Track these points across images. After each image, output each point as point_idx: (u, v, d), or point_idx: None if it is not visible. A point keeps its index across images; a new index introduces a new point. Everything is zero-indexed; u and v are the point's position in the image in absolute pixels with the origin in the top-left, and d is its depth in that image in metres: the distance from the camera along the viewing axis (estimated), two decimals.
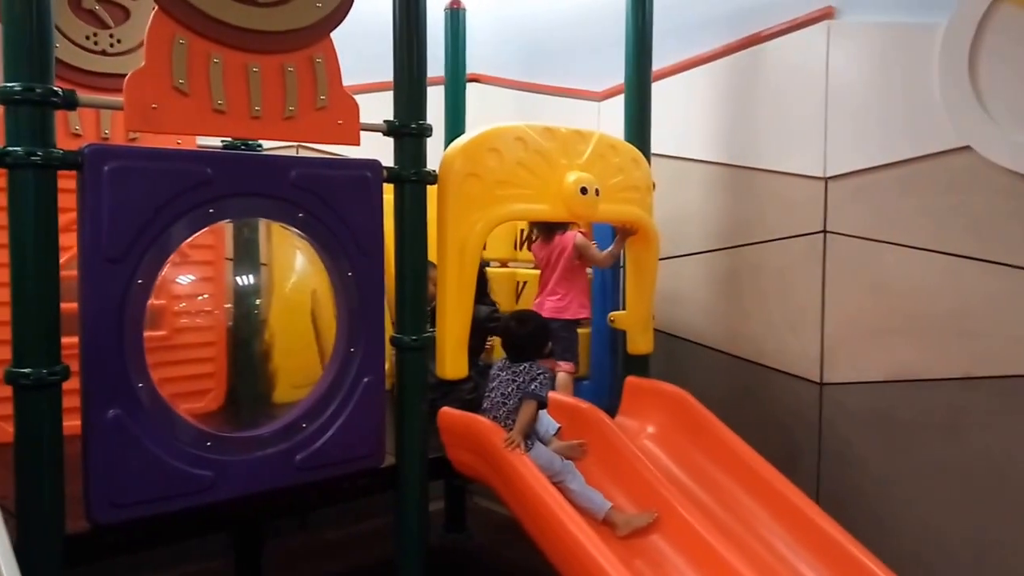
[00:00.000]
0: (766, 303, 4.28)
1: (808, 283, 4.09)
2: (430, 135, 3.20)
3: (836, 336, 4.03)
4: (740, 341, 4.40)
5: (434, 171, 3.22)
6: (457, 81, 5.12)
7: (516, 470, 2.99)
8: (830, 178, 4.03)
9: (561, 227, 4.12)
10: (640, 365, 4.04)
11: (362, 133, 3.00)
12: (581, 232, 4.15)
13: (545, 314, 4.02)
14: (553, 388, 4.02)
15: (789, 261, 4.18)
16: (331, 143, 3.02)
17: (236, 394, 3.40)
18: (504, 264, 4.79)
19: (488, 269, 4.75)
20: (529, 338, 3.41)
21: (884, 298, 3.86)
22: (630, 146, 3.85)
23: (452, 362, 3.18)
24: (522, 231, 4.67)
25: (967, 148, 3.53)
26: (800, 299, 4.13)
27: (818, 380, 4.10)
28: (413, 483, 3.19)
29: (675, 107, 4.57)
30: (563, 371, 4.06)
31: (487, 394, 3.42)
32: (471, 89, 5.35)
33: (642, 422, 3.83)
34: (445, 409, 3.39)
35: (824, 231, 4.06)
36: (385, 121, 3.12)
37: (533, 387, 3.26)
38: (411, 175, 3.15)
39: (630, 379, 3.95)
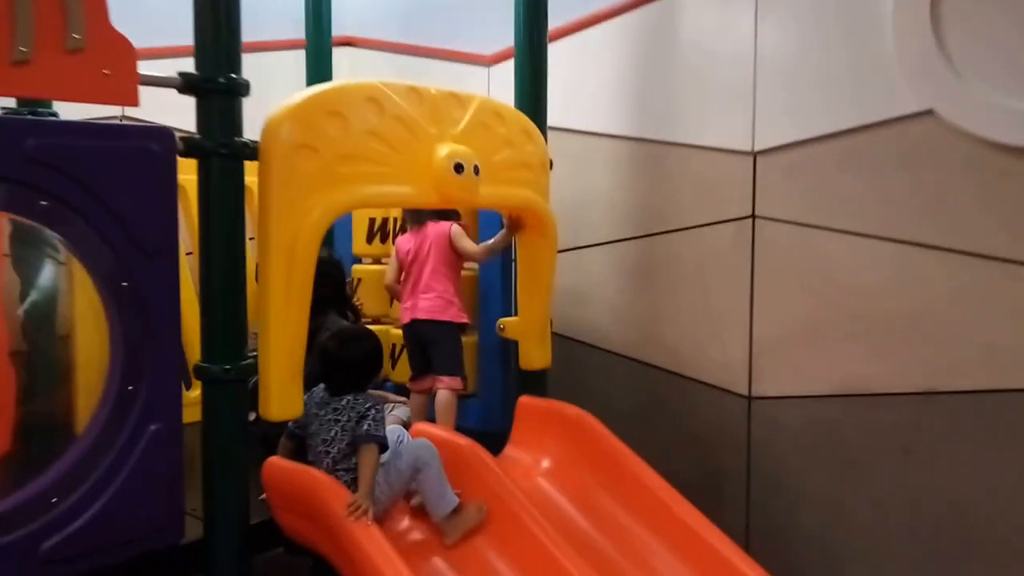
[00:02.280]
0: (684, 302, 3.52)
1: (734, 278, 3.34)
2: (247, 94, 2.29)
3: (767, 341, 3.30)
4: (654, 347, 3.63)
5: (253, 142, 2.30)
6: (321, 43, 4.18)
7: (362, 549, 2.13)
8: (759, 153, 3.28)
9: (436, 214, 3.25)
10: (536, 381, 3.25)
11: (153, 95, 2.08)
12: (460, 224, 3.29)
13: (420, 316, 3.17)
14: (407, 421, 3.20)
15: (711, 252, 3.42)
16: (89, 100, 2.07)
17: None
18: (378, 261, 3.90)
19: (358, 267, 3.85)
20: (355, 365, 2.60)
21: (826, 296, 3.14)
22: (520, 114, 3.02)
23: (280, 398, 2.31)
24: (396, 220, 3.76)
25: (928, 113, 2.83)
26: (724, 297, 3.38)
27: (745, 393, 3.38)
28: (228, 562, 2.29)
29: (575, 72, 3.75)
30: (445, 388, 3.21)
31: (308, 441, 2.56)
32: (341, 54, 4.45)
33: (536, 454, 3.03)
34: (272, 460, 2.50)
35: (752, 216, 3.32)
36: (181, 74, 2.19)
37: (365, 427, 2.47)
38: (219, 147, 2.24)
39: (523, 400, 3.15)
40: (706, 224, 3.46)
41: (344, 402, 2.51)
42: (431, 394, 3.33)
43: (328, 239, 3.93)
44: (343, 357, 2.55)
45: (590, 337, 3.83)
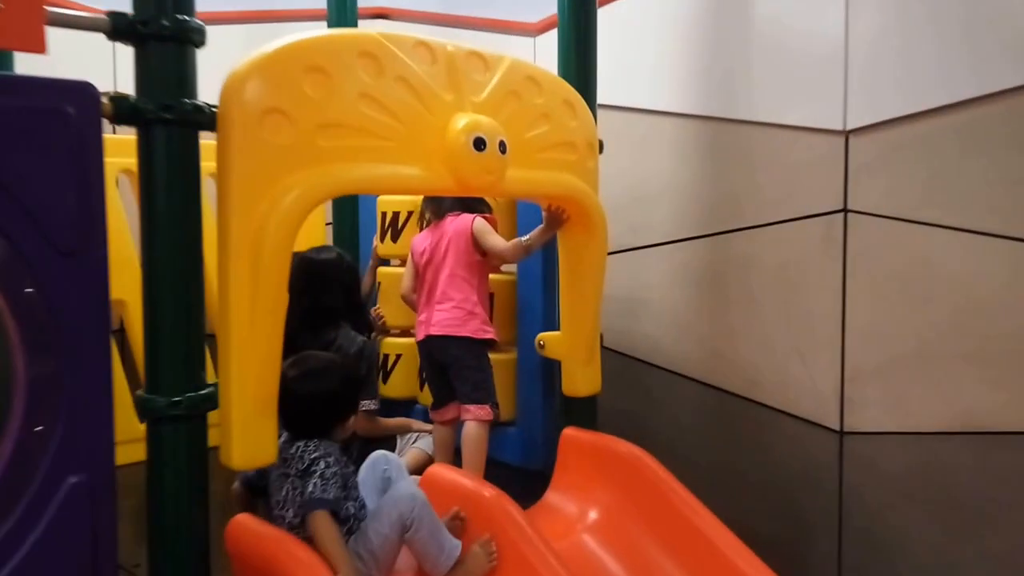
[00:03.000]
0: (761, 314, 2.87)
1: (822, 286, 2.69)
2: (201, 43, 1.74)
3: (863, 364, 2.64)
4: (724, 368, 2.98)
5: (211, 107, 1.74)
6: (344, 13, 3.61)
7: None
8: (852, 132, 2.63)
9: (460, 204, 2.67)
10: (583, 410, 2.65)
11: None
12: (485, 217, 2.70)
13: (434, 331, 2.59)
14: (430, 459, 2.64)
15: (794, 254, 2.77)
16: None
17: None
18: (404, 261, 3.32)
19: (385, 271, 3.29)
20: (315, 403, 2.01)
21: (938, 309, 2.49)
22: (562, 82, 2.43)
23: (243, 440, 1.78)
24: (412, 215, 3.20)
25: None
26: (810, 309, 2.73)
27: (837, 427, 2.72)
28: None
29: (630, 40, 3.11)
30: (472, 419, 2.62)
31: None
32: (376, 28, 3.85)
33: (582, 502, 2.44)
34: (238, 520, 1.94)
35: (844, 210, 2.67)
36: (110, 14, 1.64)
37: (310, 488, 1.89)
38: (161, 111, 1.68)
39: (568, 433, 2.56)
40: (788, 220, 2.82)
41: (294, 450, 1.93)
42: (457, 425, 2.74)
43: (349, 236, 3.40)
44: (301, 392, 1.97)
45: (648, 354, 3.20)
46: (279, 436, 1.90)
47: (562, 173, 2.34)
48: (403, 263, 3.29)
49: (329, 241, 3.51)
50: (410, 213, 3.21)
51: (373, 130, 1.90)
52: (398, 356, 3.23)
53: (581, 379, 2.57)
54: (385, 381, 3.25)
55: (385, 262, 3.35)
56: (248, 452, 1.79)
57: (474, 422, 2.67)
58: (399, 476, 2.15)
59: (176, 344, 1.81)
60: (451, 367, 2.69)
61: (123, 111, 1.68)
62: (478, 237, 2.68)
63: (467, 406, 2.68)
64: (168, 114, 1.72)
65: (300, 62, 1.80)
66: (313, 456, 1.91)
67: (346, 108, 1.86)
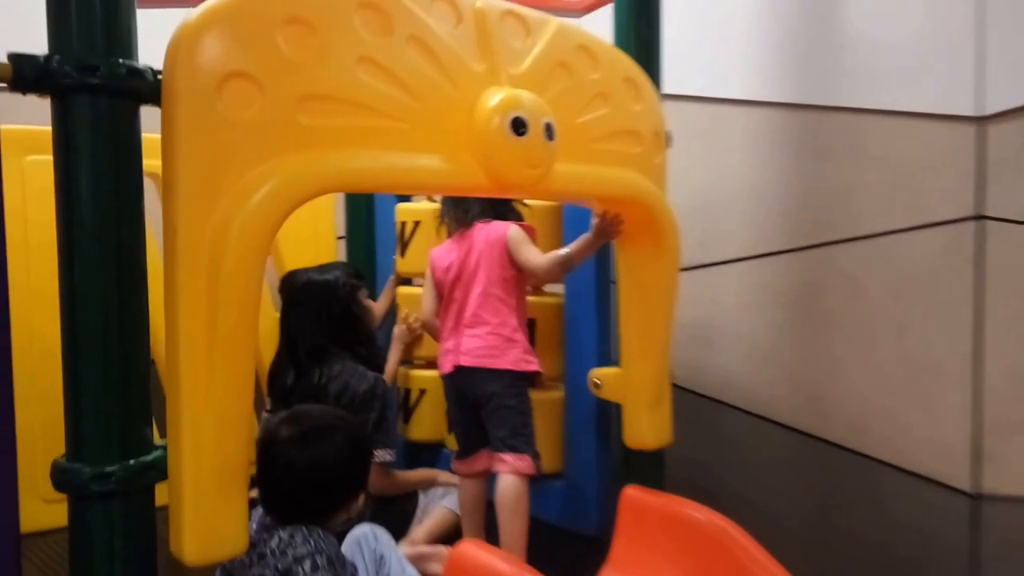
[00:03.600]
0: (868, 346, 2.36)
1: (948, 311, 2.19)
2: None
3: (1007, 410, 2.10)
4: (822, 412, 2.47)
5: (152, 70, 1.30)
6: None
7: None
8: (991, 118, 2.10)
9: (490, 209, 2.22)
10: (648, 465, 2.22)
11: None
12: (521, 226, 2.25)
13: (464, 362, 2.25)
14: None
15: (910, 271, 2.27)
16: None
17: None
18: None
19: (405, 291, 2.85)
20: (316, 473, 1.55)
21: None
22: (623, 54, 1.99)
23: (198, 526, 1.36)
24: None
25: None
26: (932, 340, 2.22)
27: (969, 488, 2.17)
28: None
29: (693, 15, 2.64)
30: (509, 472, 2.17)
31: None
32: None
33: None
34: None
35: (978, 216, 2.13)
36: None
37: None
38: (82, 73, 1.25)
39: (629, 494, 2.13)
40: (904, 229, 2.31)
41: (276, 542, 1.47)
42: (488, 478, 2.27)
43: (365, 253, 2.95)
44: (297, 462, 1.52)
45: (723, 392, 2.71)
46: (253, 518, 1.46)
47: (623, 169, 1.88)
48: None
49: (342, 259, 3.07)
50: (416, 223, 2.76)
51: (376, 106, 1.46)
52: (422, 391, 2.78)
53: (647, 428, 2.08)
54: (407, 421, 2.79)
55: (406, 281, 2.89)
56: (206, 542, 1.35)
57: (511, 476, 2.20)
58: (391, 557, 1.70)
59: (107, 392, 1.36)
60: (484, 406, 2.24)
61: (27, 75, 1.25)
62: (512, 248, 2.23)
63: (502, 455, 2.22)
64: (93, 78, 1.28)
65: (275, 11, 1.36)
66: (299, 554, 1.44)
67: (339, 75, 1.41)
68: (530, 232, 2.29)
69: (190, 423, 1.33)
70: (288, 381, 2.35)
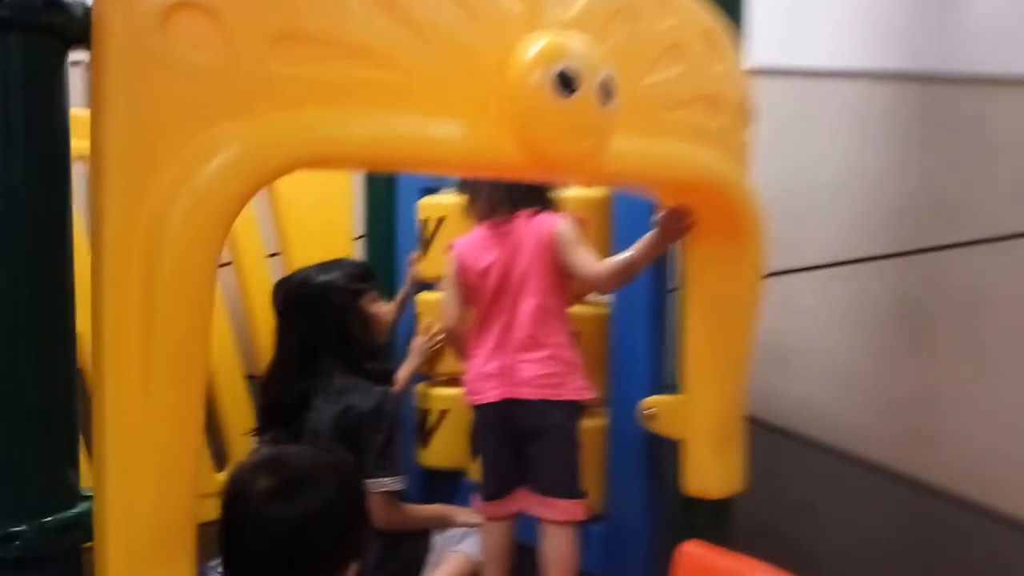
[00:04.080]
0: (997, 374, 1.96)
1: None
2: None
3: None
4: (933, 454, 2.12)
5: (83, 4, 0.97)
6: None
7: None
8: None
9: (529, 196, 1.94)
10: (713, 515, 1.83)
11: None
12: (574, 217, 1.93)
13: (525, 394, 1.89)
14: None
15: None
16: None
17: None
18: None
19: (425, 299, 2.51)
20: (301, 536, 1.20)
21: None
22: (698, 3, 1.57)
23: None
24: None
25: None
26: None
27: None
28: None
29: None
30: (561, 521, 1.89)
31: None
32: None
33: None
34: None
35: None
36: None
37: None
38: None
39: (689, 550, 1.75)
40: None
41: None
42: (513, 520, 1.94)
43: (384, 254, 2.67)
44: (277, 521, 1.18)
45: (804, 426, 2.32)
46: None
47: (699, 147, 1.51)
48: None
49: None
50: (440, 220, 2.42)
51: (376, 51, 1.12)
52: (443, 413, 2.43)
53: (714, 473, 1.72)
54: (425, 444, 2.45)
55: (426, 286, 2.55)
56: None
57: (561, 527, 1.85)
58: None
59: (14, 430, 1.04)
60: (536, 441, 1.90)
61: None
62: (561, 249, 1.88)
63: (553, 500, 1.87)
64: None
65: None
66: None
67: (326, 8, 1.08)
68: (582, 227, 1.94)
69: (118, 468, 1.01)
70: (276, 402, 2.03)
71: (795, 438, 2.30)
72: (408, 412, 2.51)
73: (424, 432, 2.46)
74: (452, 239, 2.42)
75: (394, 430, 1.99)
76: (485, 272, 1.96)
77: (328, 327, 1.99)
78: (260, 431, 2.12)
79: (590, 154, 1.27)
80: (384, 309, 2.18)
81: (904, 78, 2.13)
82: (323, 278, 2.05)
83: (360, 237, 2.77)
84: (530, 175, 1.47)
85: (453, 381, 2.47)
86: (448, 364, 2.41)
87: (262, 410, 2.12)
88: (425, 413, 2.45)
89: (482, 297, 1.98)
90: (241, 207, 1.05)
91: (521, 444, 1.91)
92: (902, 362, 2.13)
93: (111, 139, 0.98)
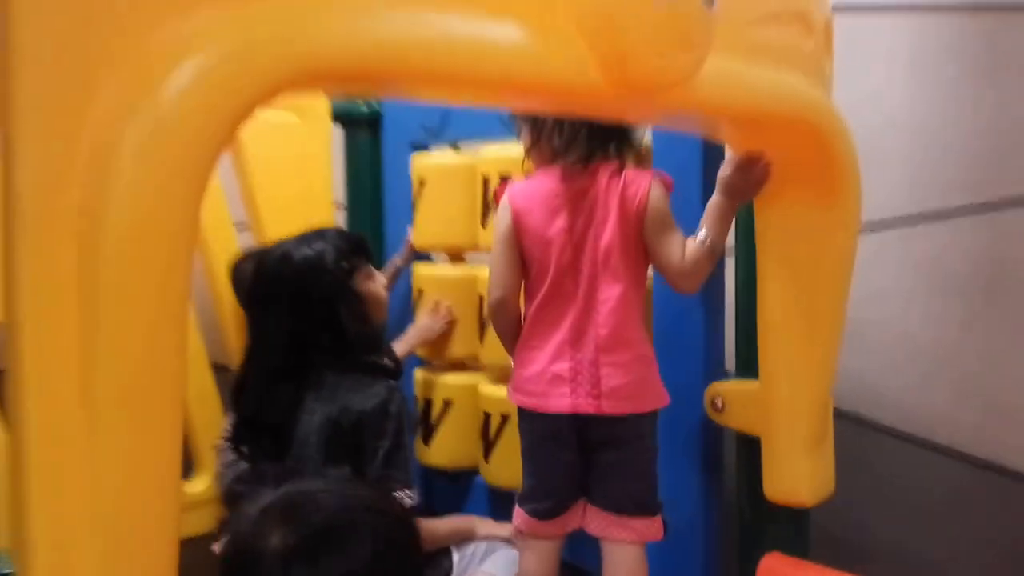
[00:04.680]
0: None
1: None
2: None
3: None
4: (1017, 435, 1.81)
5: None
6: None
7: None
8: None
9: (613, 140, 1.51)
10: (787, 521, 1.57)
11: None
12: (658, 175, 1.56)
13: (607, 408, 1.50)
14: None
15: None
16: None
17: None
18: (457, 257, 2.23)
19: (424, 271, 2.19)
20: None
21: None
22: None
23: None
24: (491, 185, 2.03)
25: None
26: None
27: None
28: None
29: None
30: (634, 541, 1.55)
31: None
32: None
33: None
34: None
35: None
36: None
37: None
38: None
39: (771, 564, 1.43)
40: None
41: None
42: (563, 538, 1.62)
43: (371, 224, 2.36)
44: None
45: (864, 408, 2.05)
46: None
47: (791, 73, 1.21)
48: (453, 257, 2.17)
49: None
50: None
51: None
52: (447, 403, 2.11)
53: (804, 475, 1.44)
54: (426, 441, 2.14)
55: (422, 256, 2.22)
56: None
57: (636, 548, 1.54)
58: None
59: None
60: (610, 453, 1.54)
61: None
62: (652, 225, 1.48)
63: (626, 519, 1.54)
64: None
65: None
66: None
67: None
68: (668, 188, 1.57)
69: (47, 531, 0.69)
70: (251, 410, 1.67)
71: (859, 423, 2.03)
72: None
73: (425, 426, 2.15)
74: (442, 203, 2.10)
75: (402, 433, 1.65)
76: (552, 240, 1.52)
77: (317, 314, 1.63)
78: (236, 441, 1.76)
79: (689, 74, 0.96)
80: (381, 283, 1.81)
81: (981, 9, 1.85)
82: (306, 252, 1.68)
83: (342, 205, 2.44)
84: (603, 106, 1.10)
85: (457, 367, 2.17)
86: (455, 348, 2.09)
87: (239, 422, 1.75)
88: (427, 404, 2.14)
89: (545, 271, 1.53)
90: (223, 145, 0.73)
91: (589, 454, 1.56)
92: (977, 333, 1.86)
93: (23, 62, 0.65)
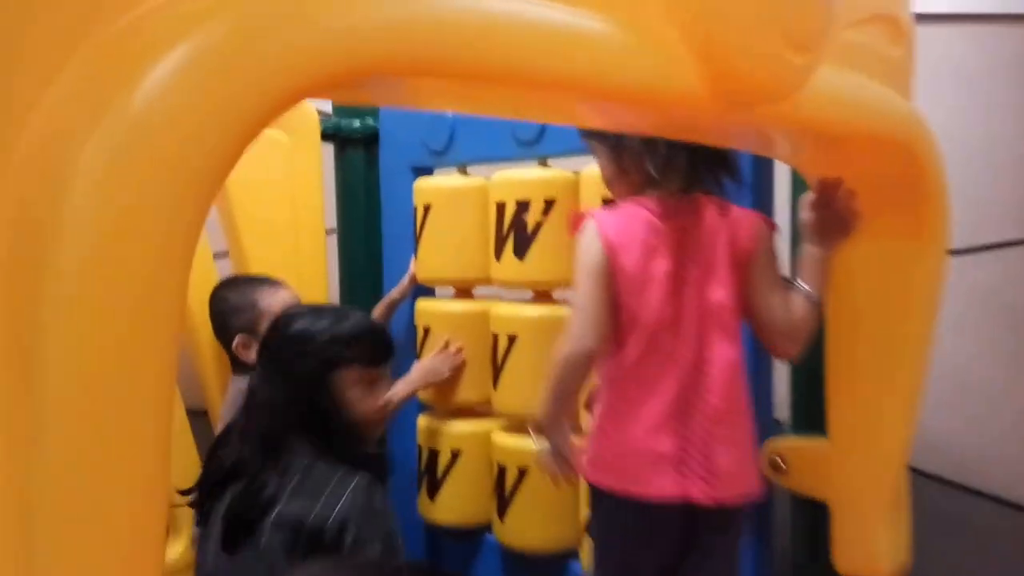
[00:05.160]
0: None
1: None
2: None
3: None
4: None
5: None
6: None
7: None
8: None
9: (719, 167, 1.28)
10: None
11: None
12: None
13: (721, 495, 1.24)
14: None
15: None
16: None
17: None
18: (465, 291, 2.01)
19: (427, 305, 1.99)
20: None
21: None
22: None
23: None
24: (506, 213, 1.82)
25: None
26: None
27: None
28: None
29: None
30: None
31: None
32: None
33: None
34: None
35: None
36: None
37: None
38: None
39: None
40: None
41: None
42: None
43: (365, 257, 2.16)
44: None
45: (919, 457, 1.86)
46: None
47: (883, 82, 1.05)
48: (460, 292, 1.97)
49: (333, 268, 2.19)
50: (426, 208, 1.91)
51: None
52: (455, 454, 1.91)
53: (882, 544, 1.26)
54: (431, 497, 1.94)
55: (425, 291, 2.03)
56: None
57: None
58: None
59: None
60: (714, 544, 1.30)
61: None
62: (760, 272, 1.27)
63: None
64: None
65: None
66: None
67: None
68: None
69: None
70: (220, 468, 1.40)
71: (938, 482, 1.85)
72: (408, 453, 2.00)
73: (431, 480, 1.94)
74: (447, 231, 1.90)
75: (393, 536, 1.37)
76: (651, 285, 1.27)
77: (297, 391, 1.35)
78: (200, 500, 1.47)
79: (803, 81, 0.78)
80: (373, 400, 1.49)
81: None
82: (305, 325, 1.38)
83: (332, 233, 2.24)
84: (697, 119, 0.89)
85: (467, 412, 1.97)
86: (465, 392, 1.89)
87: (206, 473, 1.47)
88: (432, 455, 1.93)
89: (638, 322, 1.28)
90: (224, 165, 0.54)
91: (685, 546, 1.32)
92: None
93: None
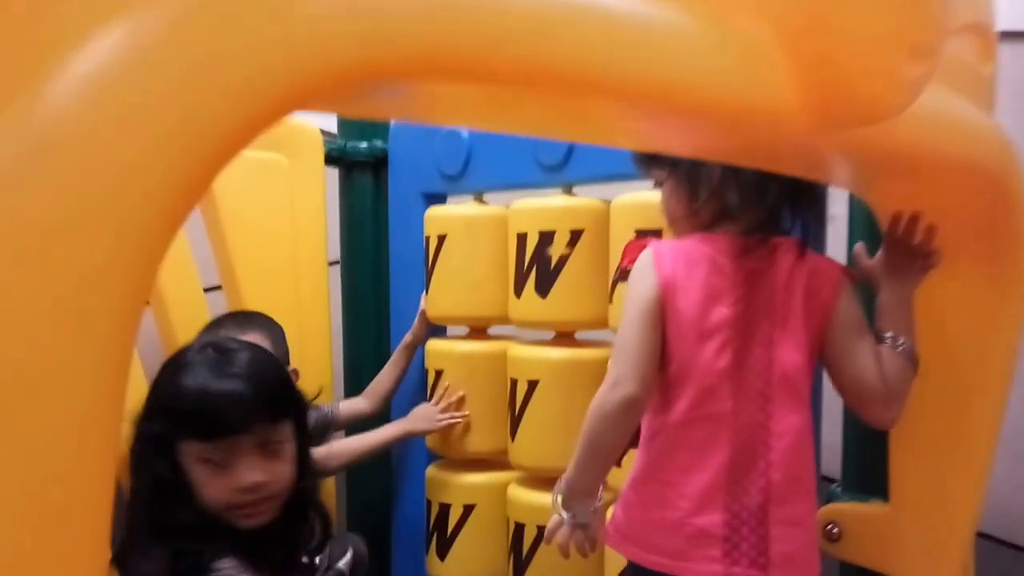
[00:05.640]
0: None
1: None
2: None
3: None
4: None
5: None
6: None
7: None
8: None
9: (803, 204, 1.12)
10: None
11: None
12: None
13: None
14: None
15: None
16: None
17: None
18: (480, 331, 1.87)
19: (438, 346, 1.85)
20: None
21: None
22: None
23: None
24: (522, 248, 1.69)
25: None
26: None
27: None
28: None
29: None
30: None
31: None
32: None
33: None
34: None
35: None
36: None
37: None
38: None
39: None
40: None
41: None
42: None
43: (374, 292, 2.06)
44: None
45: (1000, 524, 1.72)
46: None
47: (973, 102, 0.93)
48: (476, 328, 1.83)
49: (336, 304, 2.08)
50: (440, 238, 1.77)
51: None
52: (467, 509, 1.77)
53: None
54: (441, 556, 1.79)
55: (437, 331, 1.90)
56: None
57: None
58: None
59: None
60: None
61: None
62: (845, 330, 1.10)
63: None
64: None
65: None
66: None
67: None
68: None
69: None
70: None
71: (1002, 546, 1.71)
72: (415, 506, 1.86)
73: (441, 537, 1.80)
74: (457, 263, 1.77)
75: None
76: (710, 334, 1.10)
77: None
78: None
79: (915, 97, 0.66)
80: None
81: None
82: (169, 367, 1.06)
83: (334, 264, 2.11)
84: (788, 142, 0.75)
85: (478, 464, 1.83)
86: (479, 442, 1.75)
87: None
88: (442, 509, 1.79)
89: (689, 374, 1.11)
90: (191, 194, 0.41)
91: None
92: None
93: None
